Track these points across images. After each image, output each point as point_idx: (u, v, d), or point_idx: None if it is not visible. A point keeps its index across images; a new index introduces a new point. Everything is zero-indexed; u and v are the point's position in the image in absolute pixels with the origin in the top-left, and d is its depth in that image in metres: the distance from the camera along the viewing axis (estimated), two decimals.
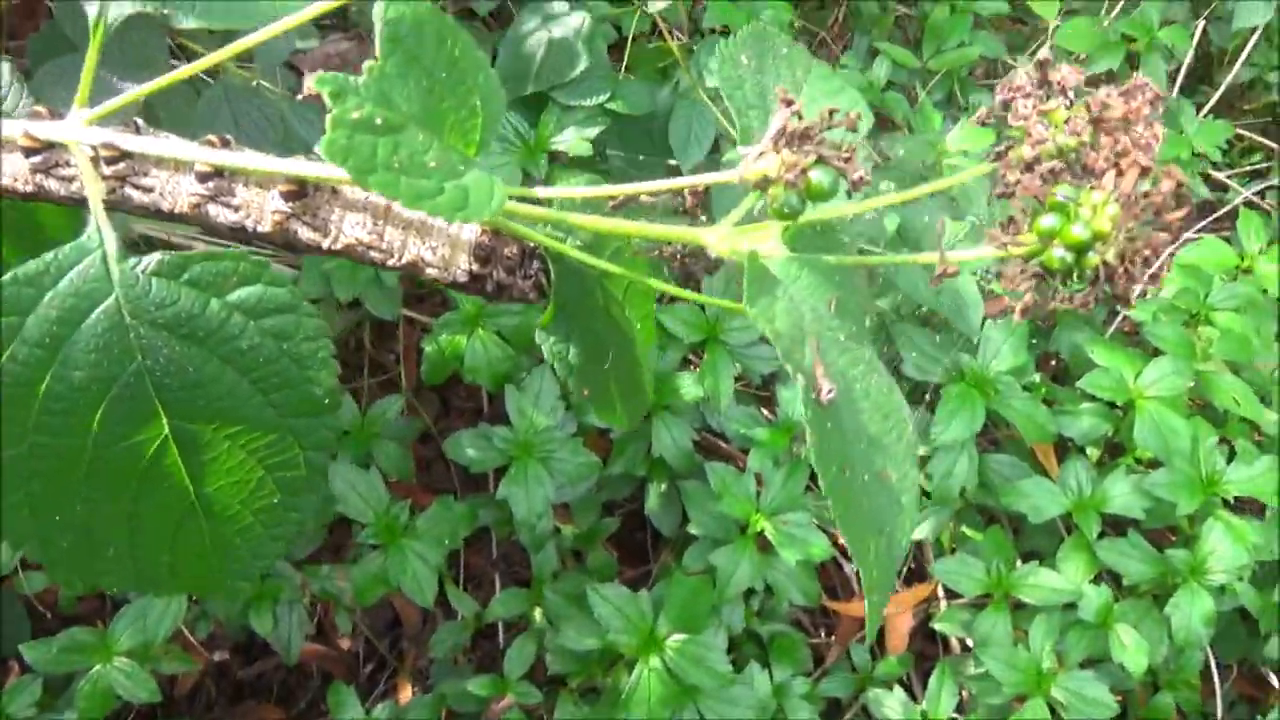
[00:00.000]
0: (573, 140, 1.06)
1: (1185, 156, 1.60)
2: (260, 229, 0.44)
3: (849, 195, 0.37)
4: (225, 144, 0.42)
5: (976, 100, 1.66)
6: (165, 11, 0.45)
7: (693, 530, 1.11)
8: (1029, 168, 0.35)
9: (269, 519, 0.45)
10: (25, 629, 1.04)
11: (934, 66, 1.68)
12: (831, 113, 0.35)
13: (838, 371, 0.37)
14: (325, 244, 0.45)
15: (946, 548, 1.24)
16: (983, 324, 1.19)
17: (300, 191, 0.43)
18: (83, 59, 0.44)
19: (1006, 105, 0.36)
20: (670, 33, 1.15)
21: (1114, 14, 1.93)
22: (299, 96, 0.78)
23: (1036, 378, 1.24)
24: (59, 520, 0.43)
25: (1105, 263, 0.33)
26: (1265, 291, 1.39)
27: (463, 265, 0.45)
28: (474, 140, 0.38)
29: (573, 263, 0.47)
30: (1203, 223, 1.68)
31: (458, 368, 1.10)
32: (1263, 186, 1.73)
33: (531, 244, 0.47)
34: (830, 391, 0.34)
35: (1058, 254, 0.34)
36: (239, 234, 0.44)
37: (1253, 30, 1.92)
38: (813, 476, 1.18)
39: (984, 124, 0.39)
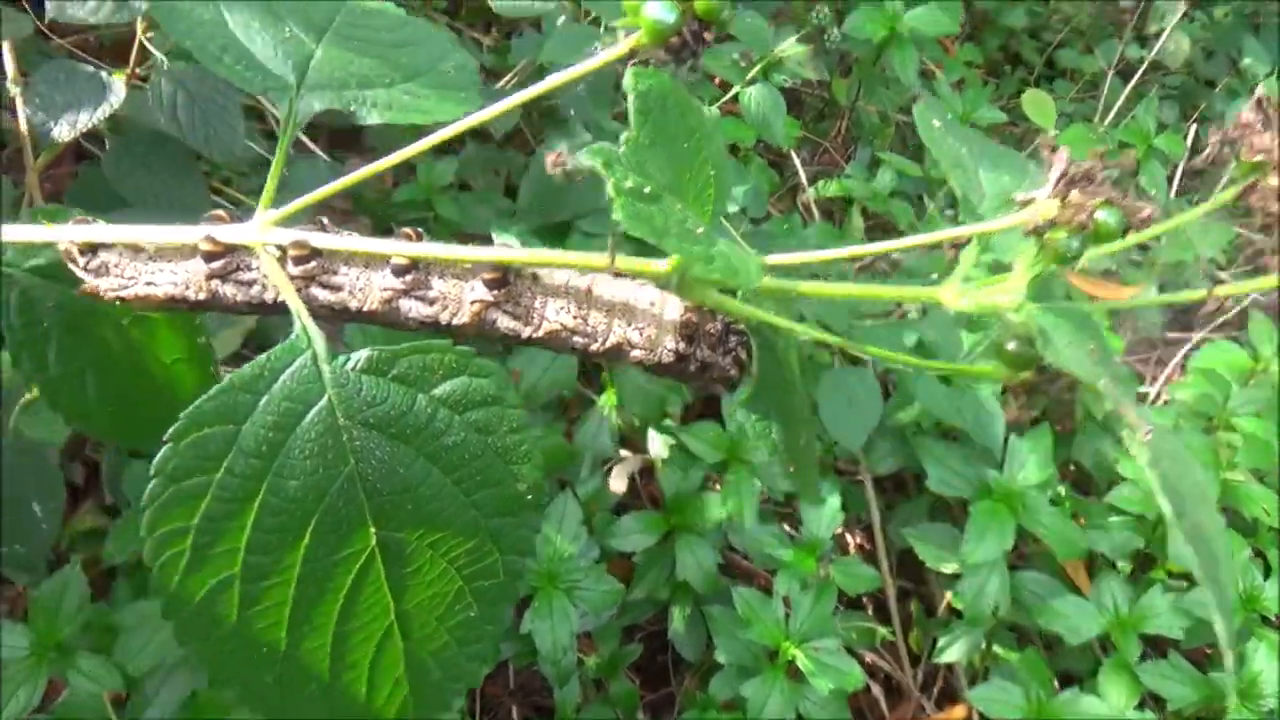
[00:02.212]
0: None
1: (1189, 260, 1.61)
2: (456, 321, 0.42)
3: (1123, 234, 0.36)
4: (418, 237, 0.42)
5: None
6: (351, 109, 0.45)
7: (719, 658, 1.07)
8: None
9: (465, 636, 0.41)
10: None
11: (936, 175, 1.71)
12: (1102, 155, 0.36)
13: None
14: (526, 333, 0.43)
15: (979, 668, 1.21)
16: (1006, 438, 1.18)
17: (504, 279, 0.42)
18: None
19: (1231, 143, 0.36)
20: None
21: (1109, 119, 1.98)
22: None
23: (1062, 490, 1.22)
24: (265, 653, 0.39)
25: None
26: None
27: (669, 345, 0.43)
28: (709, 210, 0.38)
29: (769, 336, 0.45)
30: (1211, 326, 1.68)
31: None
32: (1270, 288, 1.74)
33: (730, 319, 0.45)
34: (1149, 431, 0.33)
35: None
36: (429, 330, 0.43)
37: None
38: (841, 598, 1.15)
39: (1211, 163, 0.40)
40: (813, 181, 1.81)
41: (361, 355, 0.38)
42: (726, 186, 0.40)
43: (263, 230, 0.41)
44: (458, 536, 0.40)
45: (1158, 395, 1.56)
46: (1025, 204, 0.36)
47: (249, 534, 0.37)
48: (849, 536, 1.38)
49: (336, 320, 0.43)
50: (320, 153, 1.29)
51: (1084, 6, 2.50)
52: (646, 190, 0.33)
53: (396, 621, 0.40)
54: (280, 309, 0.41)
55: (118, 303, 0.42)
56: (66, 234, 0.42)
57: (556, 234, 1.09)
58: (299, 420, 0.37)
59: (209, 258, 0.40)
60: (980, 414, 1.18)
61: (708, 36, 0.38)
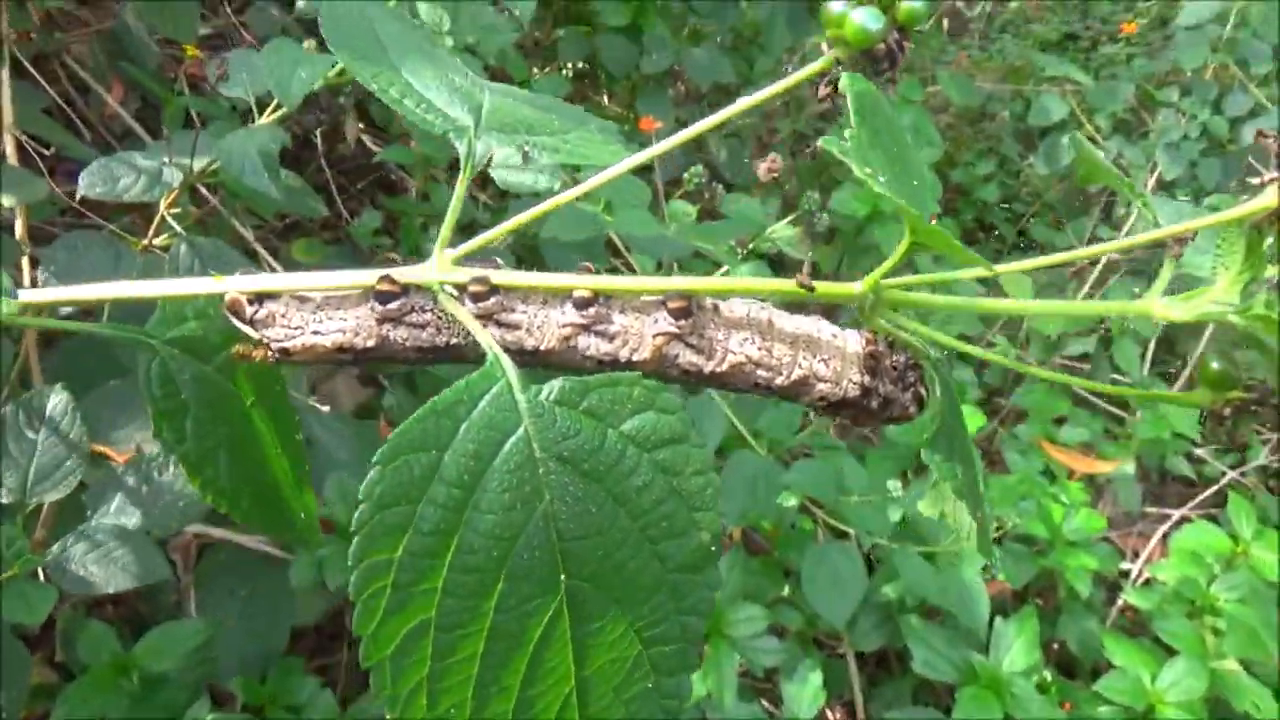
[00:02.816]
0: None
1: (1167, 437, 1.64)
2: (636, 358, 0.41)
3: None
4: (597, 272, 0.41)
5: (960, 375, 1.72)
6: (525, 150, 0.45)
7: None
8: None
9: (640, 710, 0.37)
10: None
11: None
12: None
13: None
14: (709, 367, 0.42)
15: None
16: (991, 620, 1.17)
17: (688, 309, 0.41)
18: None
19: None
20: None
21: (1082, 291, 2.06)
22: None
23: (1048, 674, 1.20)
24: (451, 715, 0.36)
25: None
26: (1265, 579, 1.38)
27: (854, 378, 0.42)
28: (927, 211, 0.38)
29: (945, 374, 0.44)
30: (1191, 504, 1.70)
31: None
32: (1246, 467, 1.77)
33: (910, 355, 0.44)
34: None
35: None
36: (605, 370, 0.41)
37: None
38: None
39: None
40: None
41: (555, 385, 0.37)
42: (935, 190, 0.40)
43: (442, 269, 0.40)
44: (641, 592, 0.37)
45: (1139, 574, 1.56)
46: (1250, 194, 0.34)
47: (446, 574, 0.35)
48: (830, 715, 1.34)
49: (511, 361, 0.41)
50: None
51: (1051, 180, 2.63)
52: (883, 179, 0.34)
53: (575, 689, 0.37)
54: (450, 354, 0.40)
55: (281, 356, 0.41)
56: (235, 283, 0.41)
57: None
58: (497, 449, 0.36)
59: (383, 299, 0.40)
60: (964, 594, 1.17)
61: (907, 46, 0.40)
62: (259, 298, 0.41)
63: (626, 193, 1.02)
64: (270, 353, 0.42)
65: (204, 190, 1.02)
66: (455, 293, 0.40)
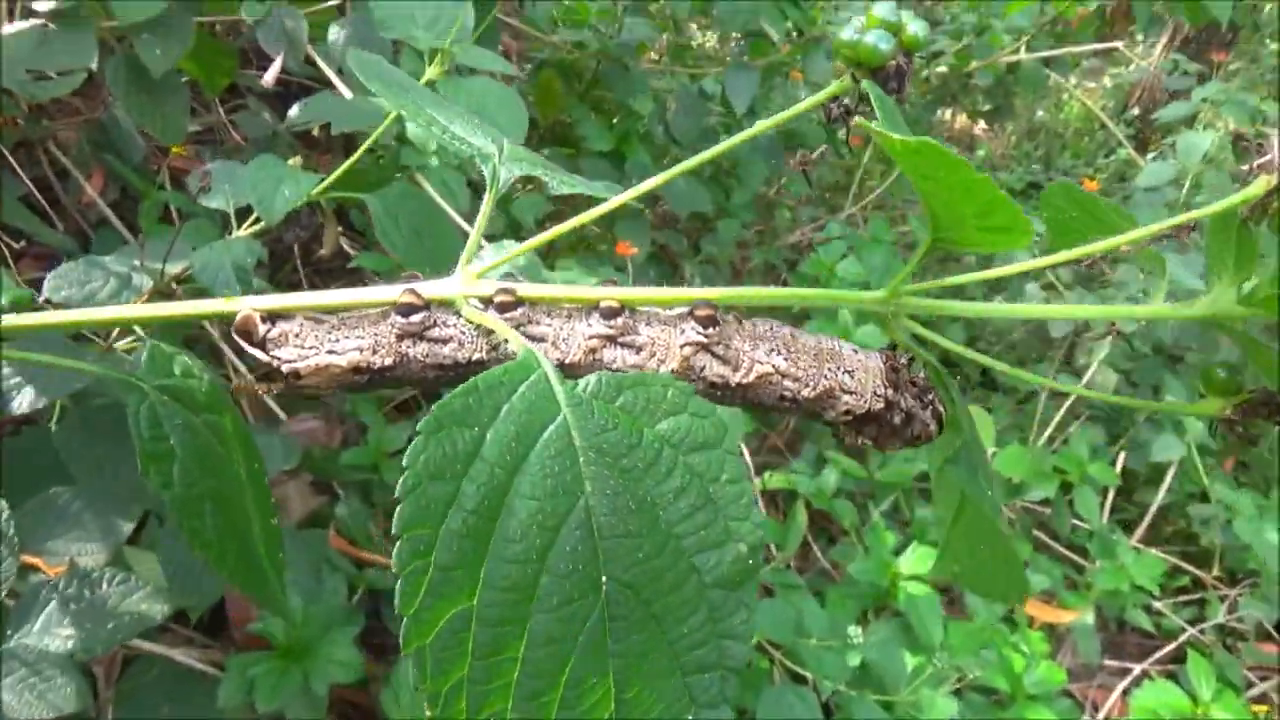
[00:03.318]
0: None
1: (1126, 589, 1.64)
2: (664, 370, 0.40)
3: None
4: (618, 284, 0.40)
5: (922, 516, 1.71)
6: (543, 178, 0.48)
7: None
8: None
9: None
10: None
11: (881, 479, 1.75)
12: None
13: None
14: (735, 378, 0.41)
15: None
16: None
17: (714, 318, 0.40)
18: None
19: None
20: None
21: (1044, 436, 2.08)
22: None
23: None
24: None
25: None
26: None
27: (878, 390, 0.42)
28: None
29: (955, 393, 0.44)
30: (1151, 659, 1.68)
31: None
32: (1204, 625, 1.76)
33: (926, 377, 0.44)
34: None
35: None
36: None
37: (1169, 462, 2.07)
38: None
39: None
40: (759, 471, 1.84)
41: (590, 380, 0.36)
42: None
43: (466, 283, 0.40)
44: (679, 607, 0.35)
45: None
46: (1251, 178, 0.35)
47: (488, 562, 0.33)
48: None
49: None
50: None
51: (1015, 324, 2.70)
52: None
53: (615, 714, 0.34)
54: (470, 373, 0.38)
55: (291, 380, 0.40)
56: (249, 301, 0.40)
57: None
58: (538, 435, 0.35)
59: (405, 311, 0.39)
60: None
61: (911, 66, 0.42)
62: (271, 317, 0.40)
63: None
64: (276, 381, 0.40)
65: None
66: (480, 306, 0.40)
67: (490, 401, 0.35)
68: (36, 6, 1.14)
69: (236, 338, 0.40)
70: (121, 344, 0.78)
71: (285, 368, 0.39)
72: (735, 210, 2.00)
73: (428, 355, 0.40)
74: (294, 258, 1.68)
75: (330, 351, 0.39)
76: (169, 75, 1.07)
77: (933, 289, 0.42)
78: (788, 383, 0.42)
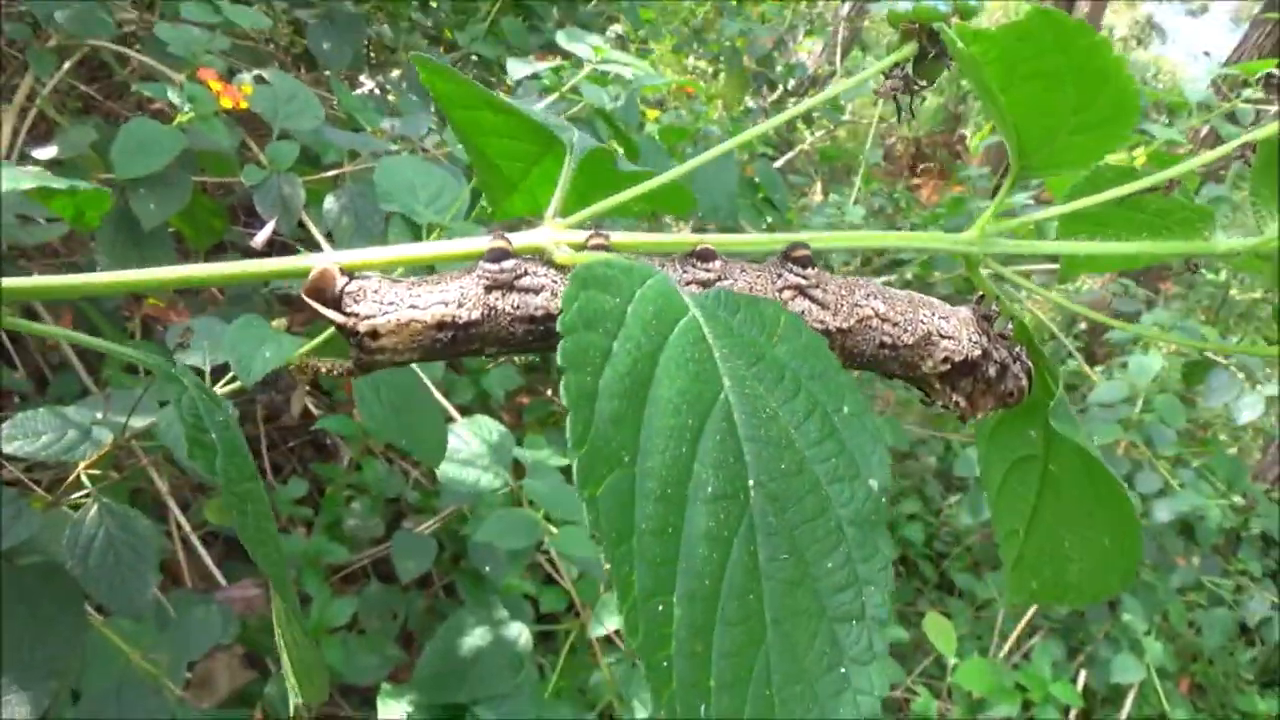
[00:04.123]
0: None
1: None
2: None
3: None
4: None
5: None
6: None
7: None
8: None
9: (832, 693, 0.30)
10: None
11: None
12: None
13: None
14: (836, 323, 0.40)
15: None
16: None
17: (810, 258, 0.39)
18: None
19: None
20: (598, 655, 1.13)
21: (1006, 647, 2.04)
22: None
23: None
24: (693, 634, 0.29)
25: None
26: None
27: (973, 337, 0.41)
28: None
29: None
30: None
31: None
32: None
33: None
34: None
35: None
36: None
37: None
38: None
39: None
40: None
41: (709, 294, 0.35)
42: None
43: (555, 230, 0.39)
44: (822, 539, 0.32)
45: None
46: None
47: (644, 433, 0.31)
48: None
49: None
50: None
51: (973, 527, 2.69)
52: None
53: (771, 632, 0.30)
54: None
55: (368, 340, 0.37)
56: (327, 257, 0.37)
57: (451, 714, 1.00)
58: (673, 323, 0.33)
59: (495, 257, 0.37)
60: None
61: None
62: (349, 274, 0.38)
63: (568, 506, 1.00)
64: (344, 358, 0.37)
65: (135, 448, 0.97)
66: (570, 253, 0.39)
67: (626, 280, 0.34)
68: (36, 154, 1.15)
69: (307, 299, 0.37)
70: (71, 498, 0.74)
71: (363, 325, 0.37)
72: None
73: (517, 307, 0.37)
74: (255, 410, 1.65)
75: (412, 306, 0.37)
76: (158, 229, 1.07)
77: (1019, 228, 0.42)
78: (887, 327, 0.40)
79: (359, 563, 1.53)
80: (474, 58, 2.20)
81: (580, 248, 0.39)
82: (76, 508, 0.73)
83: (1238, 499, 2.23)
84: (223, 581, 1.32)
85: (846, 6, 3.30)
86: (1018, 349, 0.43)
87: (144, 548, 0.68)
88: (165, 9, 1.51)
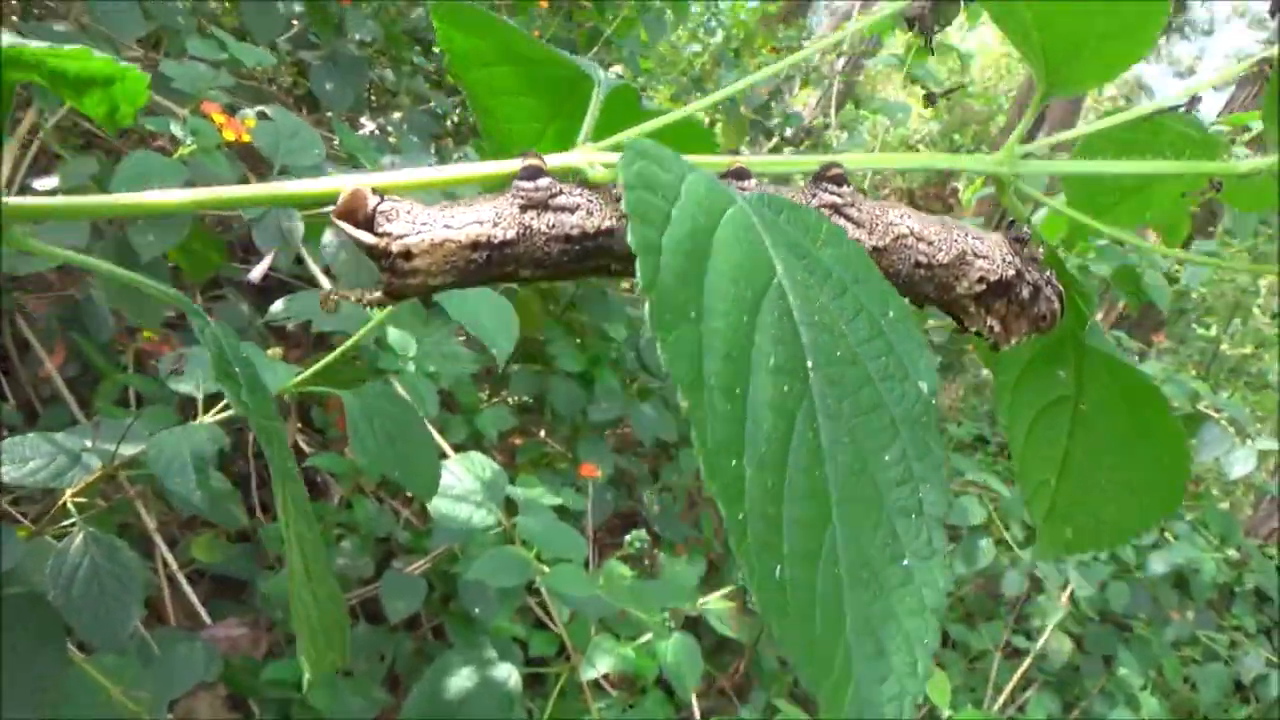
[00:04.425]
0: None
1: None
2: None
3: None
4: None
5: None
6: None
7: None
8: None
9: (903, 598, 0.31)
10: None
11: None
12: None
13: None
14: (871, 242, 0.40)
15: None
16: None
17: (844, 175, 0.40)
18: None
19: None
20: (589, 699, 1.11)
21: (1000, 700, 2.01)
22: None
23: None
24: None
25: None
26: None
27: (1006, 256, 0.41)
28: None
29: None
30: None
31: None
32: None
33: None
34: None
35: None
36: None
37: None
38: None
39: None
40: (705, 717, 1.73)
41: (751, 193, 0.36)
42: None
43: (587, 153, 0.39)
44: (878, 432, 0.32)
45: None
46: None
47: (706, 294, 0.31)
48: None
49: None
50: None
51: (967, 576, 2.67)
52: None
53: (834, 526, 0.30)
54: (598, 246, 0.37)
55: (402, 261, 0.36)
56: (356, 179, 0.37)
57: None
58: (721, 210, 0.33)
59: (529, 174, 0.37)
60: None
61: None
62: (379, 195, 0.37)
63: (561, 545, 0.99)
64: (374, 288, 0.37)
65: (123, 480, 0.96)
66: (604, 171, 0.39)
67: (675, 163, 0.34)
68: (36, 185, 1.16)
69: (338, 222, 0.37)
70: (56, 527, 0.73)
71: (396, 245, 0.36)
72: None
73: (553, 226, 0.37)
74: (245, 442, 1.63)
75: (446, 226, 0.37)
76: (155, 261, 1.07)
77: (1045, 147, 0.42)
78: (922, 246, 0.40)
79: (347, 603, 1.51)
80: None
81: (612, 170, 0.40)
82: (61, 537, 0.72)
83: (1231, 553, 2.22)
84: (208, 620, 1.30)
85: (842, 61, 3.36)
86: (1048, 273, 0.43)
87: (129, 579, 0.67)
88: (171, 47, 1.53)
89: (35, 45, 0.36)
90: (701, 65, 3.00)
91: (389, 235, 0.36)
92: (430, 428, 1.12)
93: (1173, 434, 0.45)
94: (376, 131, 2.00)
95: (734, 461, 0.29)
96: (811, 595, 0.29)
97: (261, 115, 1.13)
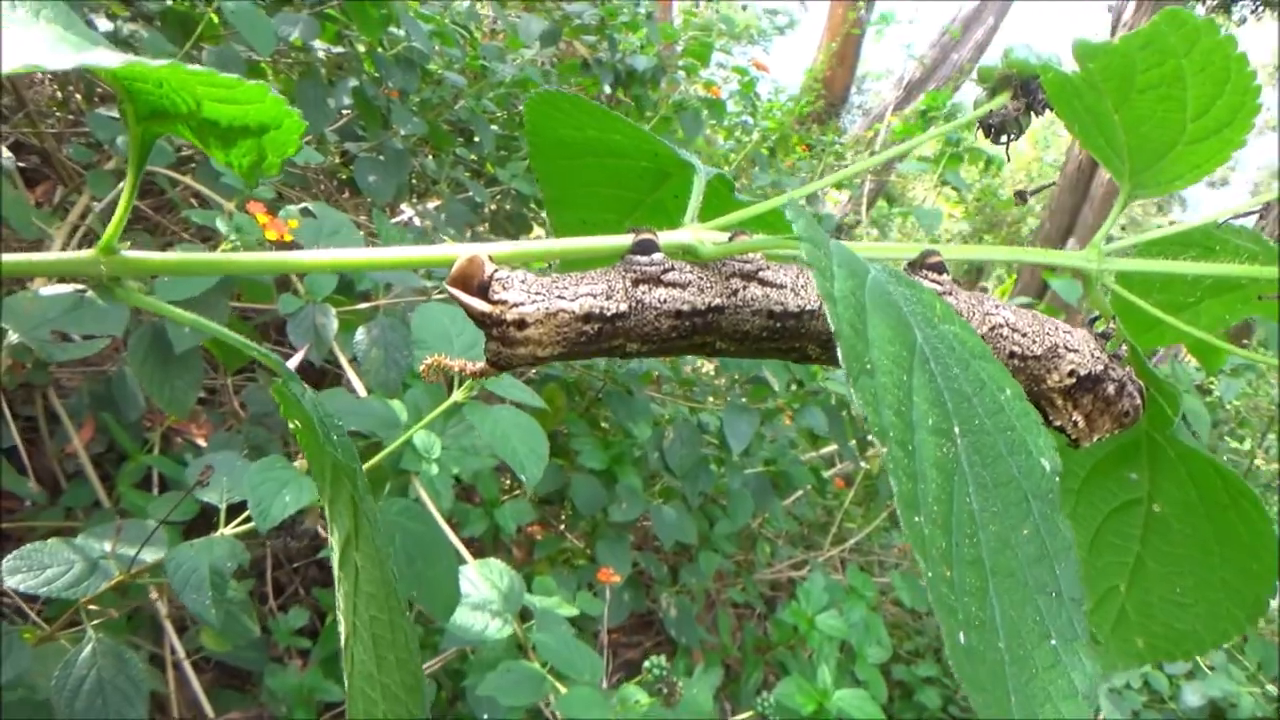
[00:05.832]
0: None
1: None
2: None
3: None
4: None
5: None
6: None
7: None
8: None
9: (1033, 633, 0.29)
10: None
11: None
12: None
13: None
14: (980, 330, 0.40)
15: None
16: None
17: (944, 264, 0.41)
18: None
19: None
20: None
21: None
22: None
23: None
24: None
25: None
26: None
27: (1095, 352, 0.41)
28: None
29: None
30: None
31: None
32: None
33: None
34: None
35: None
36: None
37: None
38: None
39: None
40: None
41: (877, 266, 0.35)
42: None
43: (697, 231, 0.40)
44: (1016, 505, 0.31)
45: None
46: None
47: (872, 347, 0.31)
48: None
49: (765, 323, 0.38)
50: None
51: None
52: None
53: (992, 595, 0.29)
54: (708, 321, 0.38)
55: (515, 330, 0.36)
56: (474, 248, 0.37)
57: None
58: (865, 275, 0.34)
59: (643, 247, 0.38)
60: None
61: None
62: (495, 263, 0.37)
63: (578, 665, 0.97)
64: (490, 341, 0.36)
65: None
66: (714, 248, 0.39)
67: (820, 235, 0.34)
68: None
69: (451, 289, 0.37)
70: (66, 632, 0.71)
71: (512, 313, 0.36)
72: (718, 541, 1.98)
73: (664, 301, 0.37)
74: (267, 558, 1.62)
75: (559, 296, 0.37)
76: (188, 351, 1.08)
77: (1134, 247, 0.42)
78: (1016, 336, 0.41)
79: None
80: (512, 192, 2.27)
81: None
82: (74, 641, 0.71)
83: (1270, 687, 2.13)
84: (210, 712, 1.27)
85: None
86: (1129, 369, 0.43)
87: (134, 693, 0.65)
88: None
89: (190, 69, 0.34)
90: (737, 164, 3.05)
91: (504, 303, 0.36)
92: (448, 530, 1.11)
93: (1263, 536, 0.43)
94: (415, 220, 2.03)
95: (916, 518, 0.29)
96: (1000, 670, 0.28)
97: (305, 212, 1.16)
